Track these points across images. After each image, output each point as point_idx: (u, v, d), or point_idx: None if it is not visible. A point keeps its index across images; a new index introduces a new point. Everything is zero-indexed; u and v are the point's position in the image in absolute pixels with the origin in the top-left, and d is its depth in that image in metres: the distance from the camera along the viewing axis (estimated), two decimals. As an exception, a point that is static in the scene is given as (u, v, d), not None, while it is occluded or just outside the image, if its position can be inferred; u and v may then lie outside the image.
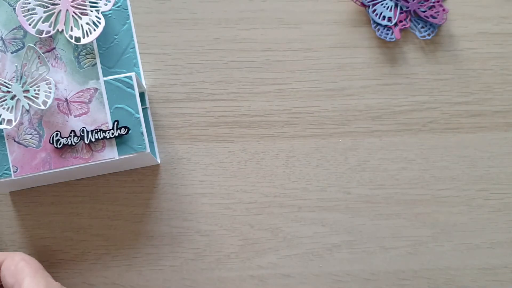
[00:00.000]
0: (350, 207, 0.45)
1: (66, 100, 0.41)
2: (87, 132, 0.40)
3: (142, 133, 0.40)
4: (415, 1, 0.46)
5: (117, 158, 0.40)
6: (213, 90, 0.46)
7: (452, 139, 0.45)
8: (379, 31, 0.46)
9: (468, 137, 0.45)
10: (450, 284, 0.44)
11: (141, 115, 0.40)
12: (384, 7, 0.46)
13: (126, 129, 0.40)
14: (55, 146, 0.40)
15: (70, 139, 0.40)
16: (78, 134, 0.40)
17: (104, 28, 0.41)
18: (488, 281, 0.44)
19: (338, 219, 0.44)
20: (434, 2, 0.46)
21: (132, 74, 0.41)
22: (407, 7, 0.46)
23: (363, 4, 0.46)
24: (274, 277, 0.44)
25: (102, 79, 0.41)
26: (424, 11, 0.46)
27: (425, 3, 0.46)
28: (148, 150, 0.40)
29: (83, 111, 0.40)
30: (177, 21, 0.46)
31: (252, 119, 0.45)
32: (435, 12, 0.46)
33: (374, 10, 0.46)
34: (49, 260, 0.44)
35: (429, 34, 0.46)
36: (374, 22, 0.46)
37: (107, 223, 0.45)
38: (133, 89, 0.40)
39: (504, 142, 0.45)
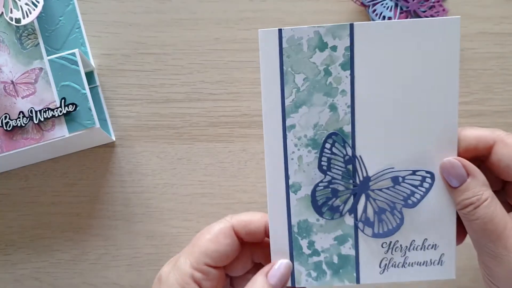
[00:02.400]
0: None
1: (12, 82, 0.41)
2: (36, 112, 0.40)
3: (90, 109, 0.40)
4: (415, 1, 0.46)
5: (68, 135, 0.40)
6: (213, 90, 0.46)
7: (452, 139, 0.45)
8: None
9: (468, 137, 0.45)
10: (450, 284, 0.44)
11: (87, 91, 0.40)
12: (384, 7, 0.46)
13: (74, 106, 0.40)
14: (5, 128, 0.40)
15: (19, 120, 0.40)
16: (26, 115, 0.40)
17: (48, 10, 0.42)
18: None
19: (338, 219, 0.44)
20: (434, 2, 0.46)
21: (75, 50, 0.41)
22: (407, 7, 0.46)
23: (363, 4, 0.46)
24: (274, 277, 0.44)
25: (46, 58, 0.41)
26: (424, 11, 0.46)
27: (425, 3, 0.46)
28: (97, 125, 0.40)
29: (30, 92, 0.41)
30: (177, 21, 0.46)
31: (252, 119, 0.45)
32: (435, 12, 0.46)
33: (374, 10, 0.46)
34: (49, 260, 0.44)
35: (429, 34, 0.46)
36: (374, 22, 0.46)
37: (107, 223, 0.45)
38: (78, 66, 0.41)
39: (504, 142, 0.45)
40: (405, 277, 0.33)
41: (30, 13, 0.41)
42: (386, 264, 0.33)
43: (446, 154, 0.32)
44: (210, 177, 0.45)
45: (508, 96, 0.46)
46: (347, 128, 0.32)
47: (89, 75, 0.45)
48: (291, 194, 0.33)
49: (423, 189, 0.32)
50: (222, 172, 0.45)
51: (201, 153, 0.45)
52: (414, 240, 0.33)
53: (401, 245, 0.33)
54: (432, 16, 0.46)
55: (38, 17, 0.41)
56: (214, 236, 0.33)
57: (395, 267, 0.33)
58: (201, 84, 0.46)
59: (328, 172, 0.33)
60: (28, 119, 0.40)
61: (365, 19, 0.47)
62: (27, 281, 0.44)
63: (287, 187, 0.33)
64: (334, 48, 0.31)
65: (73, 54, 0.41)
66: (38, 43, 0.42)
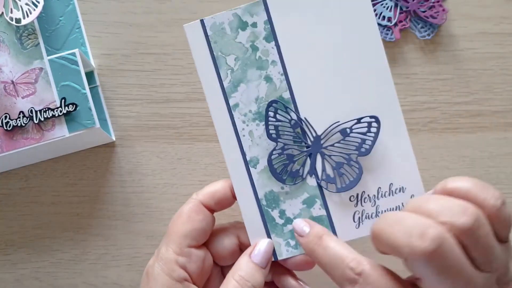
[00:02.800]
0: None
1: (12, 82, 0.41)
2: (36, 112, 0.40)
3: (90, 109, 0.40)
4: (415, 1, 0.46)
5: (68, 135, 0.40)
6: (213, 90, 0.46)
7: (452, 139, 0.45)
8: (379, 31, 0.46)
9: (468, 137, 0.45)
10: (450, 284, 0.44)
11: (87, 91, 0.40)
12: (384, 7, 0.46)
13: (74, 106, 0.40)
14: (5, 128, 0.40)
15: (19, 120, 0.40)
16: (27, 115, 0.40)
17: (49, 10, 0.43)
18: (488, 281, 0.44)
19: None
20: (434, 2, 0.46)
21: (76, 50, 0.41)
22: (407, 7, 0.46)
23: (363, 4, 0.46)
24: (274, 277, 0.44)
25: (46, 58, 0.41)
26: (424, 11, 0.46)
27: (425, 3, 0.46)
28: (97, 125, 0.40)
29: (30, 92, 0.41)
30: (177, 21, 0.46)
31: (252, 119, 0.45)
32: (435, 12, 0.46)
33: (374, 10, 0.46)
34: (49, 260, 0.44)
35: (429, 34, 0.46)
36: (374, 22, 0.46)
37: (107, 223, 0.45)
38: (78, 65, 0.41)
39: (504, 142, 0.45)
40: None
41: (30, 13, 0.41)
42: (359, 218, 0.34)
43: (385, 94, 0.33)
44: (210, 177, 0.45)
45: (508, 96, 0.46)
46: (286, 95, 0.34)
47: (89, 75, 0.45)
48: (252, 169, 0.34)
49: (372, 134, 0.33)
50: (222, 172, 0.45)
51: (201, 153, 0.45)
52: (380, 188, 0.34)
53: (368, 195, 0.34)
54: (432, 16, 0.46)
55: (38, 17, 0.41)
56: (186, 217, 0.34)
57: (368, 218, 0.34)
58: (201, 84, 0.46)
59: (278, 139, 0.34)
60: (28, 119, 0.40)
61: (365, 19, 0.47)
62: (27, 281, 0.44)
63: (246, 163, 0.34)
64: (254, 25, 0.34)
65: (73, 54, 0.41)
66: (38, 43, 0.42)
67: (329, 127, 0.34)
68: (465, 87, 0.46)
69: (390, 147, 0.33)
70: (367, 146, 0.33)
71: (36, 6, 0.41)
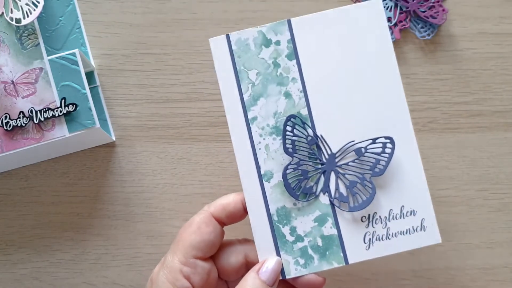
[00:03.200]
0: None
1: (13, 82, 0.41)
2: (36, 112, 0.40)
3: (90, 109, 0.40)
4: (414, 1, 0.46)
5: (68, 135, 0.40)
6: (213, 90, 0.46)
7: (451, 139, 0.45)
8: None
9: (468, 137, 0.45)
10: (449, 284, 0.44)
11: (87, 91, 0.40)
12: (384, 7, 0.46)
13: (74, 106, 0.40)
14: (5, 128, 0.40)
15: (19, 120, 0.40)
16: (27, 115, 0.40)
17: (49, 10, 0.43)
18: (488, 281, 0.44)
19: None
20: (433, 2, 0.46)
21: (76, 50, 0.41)
22: (407, 7, 0.46)
23: (363, 4, 0.46)
24: (274, 277, 0.44)
25: (46, 58, 0.41)
26: (423, 11, 0.46)
27: (425, 3, 0.46)
28: (97, 125, 0.40)
29: (30, 92, 0.41)
30: (177, 21, 0.46)
31: (252, 119, 0.45)
32: (435, 12, 0.46)
33: (374, 10, 0.46)
34: (49, 260, 0.44)
35: (428, 34, 0.46)
36: (374, 22, 0.46)
37: (107, 223, 0.45)
38: (78, 66, 0.41)
39: (504, 142, 0.45)
40: (392, 249, 0.34)
41: (31, 13, 0.41)
42: (370, 239, 0.34)
43: (399, 116, 0.34)
44: (210, 177, 0.45)
45: (507, 96, 0.46)
46: (304, 111, 0.35)
47: (89, 75, 0.45)
48: (265, 183, 0.34)
49: (386, 155, 0.33)
50: (222, 172, 0.45)
51: (201, 153, 0.45)
52: (391, 209, 0.34)
53: (380, 216, 0.34)
54: (432, 16, 0.46)
55: (38, 17, 0.41)
56: (196, 227, 0.34)
57: (379, 240, 0.34)
58: (201, 84, 0.46)
59: (294, 154, 0.34)
60: (28, 119, 0.40)
61: (365, 19, 0.47)
62: (27, 281, 0.44)
63: (260, 176, 0.34)
64: (278, 43, 0.35)
65: (73, 54, 0.41)
66: (39, 43, 0.42)
67: (344, 146, 0.34)
68: (465, 87, 0.46)
69: (403, 168, 0.34)
70: (381, 167, 0.33)
71: (36, 6, 0.41)
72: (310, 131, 0.34)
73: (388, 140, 0.33)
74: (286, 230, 0.34)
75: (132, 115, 0.46)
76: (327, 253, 0.34)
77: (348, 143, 0.34)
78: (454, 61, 0.46)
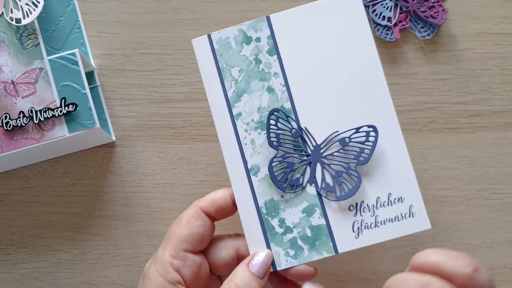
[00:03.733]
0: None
1: (13, 82, 0.41)
2: (36, 112, 0.40)
3: (90, 109, 0.40)
4: (414, 1, 0.46)
5: (68, 135, 0.40)
6: (213, 90, 0.46)
7: (451, 139, 0.45)
8: (379, 31, 0.46)
9: (468, 137, 0.45)
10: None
11: (88, 91, 0.40)
12: (384, 7, 0.46)
13: (74, 106, 0.40)
14: (5, 128, 0.40)
15: (19, 120, 0.40)
16: (27, 115, 0.40)
17: (49, 10, 0.43)
18: (488, 281, 0.44)
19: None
20: (433, 2, 0.46)
21: (76, 50, 0.41)
22: (407, 7, 0.46)
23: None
24: (274, 277, 0.44)
25: (46, 58, 0.41)
26: (423, 11, 0.46)
27: (425, 3, 0.46)
28: (97, 125, 0.40)
29: (31, 92, 0.41)
30: (177, 21, 0.46)
31: (252, 119, 0.45)
32: (435, 12, 0.46)
33: (374, 10, 0.46)
34: (49, 260, 0.44)
35: (428, 34, 0.46)
36: (374, 22, 0.46)
37: (107, 223, 0.45)
38: (78, 65, 0.41)
39: (504, 142, 0.45)
40: (381, 237, 0.34)
41: (31, 13, 0.41)
42: (359, 227, 0.34)
43: (382, 104, 0.34)
44: (210, 177, 0.45)
45: (507, 96, 0.46)
46: (287, 105, 0.35)
47: (89, 75, 0.45)
48: (252, 177, 0.35)
49: (370, 143, 0.34)
50: (222, 172, 0.45)
51: (201, 153, 0.45)
52: (379, 197, 0.34)
53: (367, 205, 0.34)
54: (432, 16, 0.46)
55: (38, 17, 0.41)
56: (185, 221, 0.34)
57: (368, 228, 0.34)
58: (201, 84, 0.46)
59: (279, 147, 0.35)
60: (28, 119, 0.40)
61: (365, 19, 0.47)
62: (27, 280, 0.44)
63: (247, 171, 0.35)
64: (258, 39, 0.36)
65: (73, 54, 0.41)
66: (39, 43, 0.42)
67: (328, 137, 0.34)
68: (465, 87, 0.46)
69: (388, 156, 0.34)
70: (366, 155, 0.34)
71: (36, 6, 0.41)
72: (294, 124, 0.35)
73: (371, 129, 0.34)
74: (275, 222, 0.35)
75: (132, 115, 0.46)
76: (316, 243, 0.34)
77: (332, 134, 0.34)
78: (454, 61, 0.46)
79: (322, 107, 0.35)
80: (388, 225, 0.34)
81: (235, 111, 0.35)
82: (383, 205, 0.34)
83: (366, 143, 0.34)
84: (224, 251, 0.36)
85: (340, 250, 0.34)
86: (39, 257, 0.45)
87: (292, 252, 0.34)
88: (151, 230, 0.45)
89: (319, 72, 0.35)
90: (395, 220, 0.34)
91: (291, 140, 0.35)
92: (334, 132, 0.34)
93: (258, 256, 0.34)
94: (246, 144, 0.35)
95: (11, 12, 0.41)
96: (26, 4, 0.41)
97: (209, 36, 0.36)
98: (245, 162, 0.35)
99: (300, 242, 0.34)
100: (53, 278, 0.44)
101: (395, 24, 0.46)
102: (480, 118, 0.46)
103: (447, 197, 0.45)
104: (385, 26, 0.46)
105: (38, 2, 0.41)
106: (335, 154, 0.34)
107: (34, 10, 0.41)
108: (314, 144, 0.35)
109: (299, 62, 0.35)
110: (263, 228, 0.35)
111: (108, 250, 0.45)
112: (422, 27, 0.46)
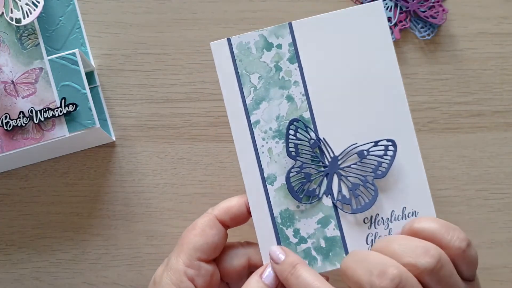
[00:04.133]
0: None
1: (13, 82, 0.41)
2: (36, 112, 0.40)
3: (90, 109, 0.40)
4: (414, 1, 0.46)
5: (68, 135, 0.40)
6: (213, 90, 0.46)
7: (451, 139, 0.45)
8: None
9: (468, 137, 0.45)
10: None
11: (88, 91, 0.40)
12: (384, 7, 0.46)
13: (74, 106, 0.40)
14: (5, 128, 0.40)
15: (19, 120, 0.40)
16: (27, 115, 0.40)
17: (49, 10, 0.43)
18: (488, 281, 0.44)
19: (338, 219, 0.44)
20: (434, 2, 0.46)
21: (76, 50, 0.41)
22: (407, 7, 0.46)
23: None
24: (274, 277, 0.44)
25: (46, 58, 0.41)
26: (423, 11, 0.46)
27: (425, 3, 0.46)
28: (97, 125, 0.40)
29: (31, 92, 0.41)
30: (177, 21, 0.46)
31: (252, 119, 0.45)
32: (435, 12, 0.46)
33: (374, 10, 0.46)
34: (49, 260, 0.44)
35: (428, 34, 0.46)
36: (374, 22, 0.46)
37: (107, 223, 0.45)
38: (78, 66, 0.40)
39: (504, 142, 0.45)
40: None
41: (31, 13, 0.41)
42: (372, 240, 0.34)
43: (401, 119, 0.34)
44: (210, 177, 0.45)
45: (507, 96, 0.46)
46: (307, 114, 0.35)
47: (89, 75, 0.45)
48: (268, 186, 0.35)
49: (388, 157, 0.34)
50: (222, 172, 0.45)
51: (201, 153, 0.45)
52: (393, 211, 0.34)
53: (382, 218, 0.34)
54: (432, 16, 0.46)
55: (38, 17, 0.41)
56: (200, 230, 0.34)
57: None
58: (201, 84, 0.46)
59: (297, 158, 0.34)
60: (28, 119, 0.40)
61: (365, 19, 0.47)
62: (27, 280, 0.44)
63: (263, 180, 0.35)
64: (279, 46, 0.35)
65: (73, 54, 0.41)
66: (39, 43, 0.42)
67: (346, 148, 0.34)
68: (465, 87, 0.46)
69: (405, 171, 0.34)
70: (383, 169, 0.34)
71: (36, 6, 0.41)
72: (312, 134, 0.34)
73: (390, 143, 0.33)
74: (289, 232, 0.34)
75: (132, 115, 0.46)
76: (330, 254, 0.34)
77: (350, 146, 0.34)
78: (454, 61, 0.46)
79: (341, 118, 0.34)
80: None
81: (253, 119, 0.35)
82: (397, 218, 0.34)
83: (385, 157, 0.34)
84: (235, 259, 0.35)
85: None
86: (39, 257, 0.45)
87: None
88: (151, 230, 0.45)
89: (339, 82, 0.34)
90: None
91: (309, 151, 0.34)
92: (353, 144, 0.34)
93: (271, 267, 0.33)
94: (263, 152, 0.35)
95: (11, 12, 0.41)
96: (26, 4, 0.41)
97: (229, 40, 0.35)
98: (261, 170, 0.35)
99: (314, 253, 0.34)
100: (53, 278, 0.44)
101: (395, 24, 0.46)
102: (480, 118, 0.46)
103: (447, 197, 0.45)
104: (385, 26, 0.46)
105: (38, 2, 0.41)
106: (352, 166, 0.34)
107: (34, 10, 0.41)
108: (332, 155, 0.34)
109: (320, 71, 0.35)
110: (277, 237, 0.34)
111: (108, 250, 0.45)
112: (422, 27, 0.46)
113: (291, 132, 0.34)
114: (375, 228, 0.34)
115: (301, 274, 0.31)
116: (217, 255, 0.35)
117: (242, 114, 0.35)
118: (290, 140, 0.34)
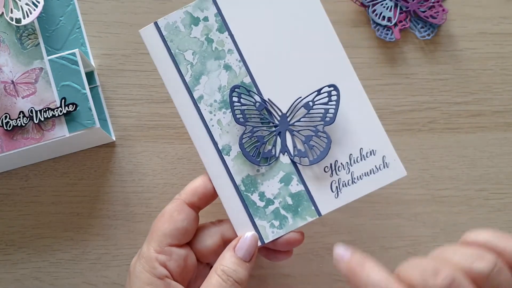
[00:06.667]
0: (350, 206, 0.45)
1: (13, 82, 0.41)
2: (36, 112, 0.40)
3: (90, 109, 0.40)
4: (414, 1, 0.46)
5: (68, 135, 0.40)
6: (213, 90, 0.46)
7: (451, 139, 0.45)
8: (379, 31, 0.46)
9: (468, 137, 0.45)
10: (449, 284, 0.44)
11: (88, 91, 0.40)
12: (384, 7, 0.46)
13: (74, 106, 0.40)
14: (5, 128, 0.40)
15: (19, 120, 0.40)
16: (27, 115, 0.40)
17: (49, 10, 0.43)
18: (488, 281, 0.44)
19: (338, 218, 0.44)
20: (433, 2, 0.46)
21: (76, 50, 0.41)
22: (407, 7, 0.46)
23: (362, 4, 0.46)
24: (274, 277, 0.44)
25: (46, 58, 0.41)
26: (423, 11, 0.46)
27: (425, 3, 0.46)
28: (97, 125, 0.40)
29: (31, 92, 0.41)
30: (177, 21, 0.46)
31: (252, 119, 0.45)
32: (435, 12, 0.46)
33: (374, 10, 0.46)
34: (49, 260, 0.44)
35: (428, 34, 0.46)
36: (374, 22, 0.46)
37: (107, 223, 0.45)
38: (78, 65, 0.41)
39: (504, 142, 0.45)
40: (360, 192, 0.34)
41: (31, 13, 0.41)
42: (337, 187, 0.34)
43: (339, 64, 0.35)
44: (210, 177, 0.45)
45: (507, 96, 0.46)
46: (247, 79, 0.35)
47: (89, 75, 0.45)
48: (225, 157, 0.35)
49: (333, 102, 0.34)
50: (222, 172, 0.45)
51: (201, 153, 0.45)
52: (351, 154, 0.34)
53: (341, 164, 0.35)
54: (432, 16, 0.46)
55: (38, 17, 0.42)
56: (168, 216, 0.34)
57: (346, 186, 0.34)
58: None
59: (247, 123, 0.35)
60: (28, 119, 0.40)
61: (365, 19, 0.47)
62: (28, 280, 0.44)
63: (219, 152, 0.35)
64: (206, 19, 0.35)
65: (74, 54, 0.41)
66: (39, 43, 0.42)
67: (292, 104, 0.35)
68: (465, 87, 0.46)
69: (354, 114, 0.34)
70: (331, 115, 0.34)
71: (36, 6, 0.41)
72: (257, 97, 0.35)
73: (332, 88, 0.34)
74: (255, 197, 0.35)
75: (132, 115, 0.46)
76: (299, 209, 0.35)
77: (296, 101, 0.35)
78: (454, 61, 0.46)
79: (282, 76, 0.35)
80: (365, 180, 0.34)
81: (196, 95, 0.35)
82: (357, 160, 0.34)
83: (330, 103, 0.34)
84: (209, 239, 0.36)
85: (322, 212, 0.34)
86: (39, 257, 0.45)
87: (277, 223, 0.35)
88: (151, 230, 0.45)
89: (274, 42, 0.35)
90: (370, 173, 0.34)
91: (257, 114, 0.35)
92: (298, 98, 0.34)
93: (243, 238, 0.34)
94: (213, 125, 0.35)
95: (11, 12, 0.41)
96: (26, 4, 0.41)
97: (156, 24, 0.35)
98: (215, 143, 0.35)
99: (283, 212, 0.35)
100: (53, 278, 0.44)
101: (395, 24, 0.46)
102: (480, 118, 0.46)
103: (447, 197, 0.45)
104: (385, 26, 0.46)
105: (38, 2, 0.41)
106: (301, 120, 0.35)
107: (34, 10, 0.41)
108: (280, 114, 0.35)
109: (252, 35, 0.35)
110: (245, 205, 0.35)
111: (108, 250, 0.45)
112: (422, 27, 0.46)
113: (235, 99, 0.34)
114: (337, 174, 0.34)
115: (370, 273, 0.31)
116: (189, 239, 0.35)
117: (184, 92, 0.35)
118: (235, 107, 0.34)
